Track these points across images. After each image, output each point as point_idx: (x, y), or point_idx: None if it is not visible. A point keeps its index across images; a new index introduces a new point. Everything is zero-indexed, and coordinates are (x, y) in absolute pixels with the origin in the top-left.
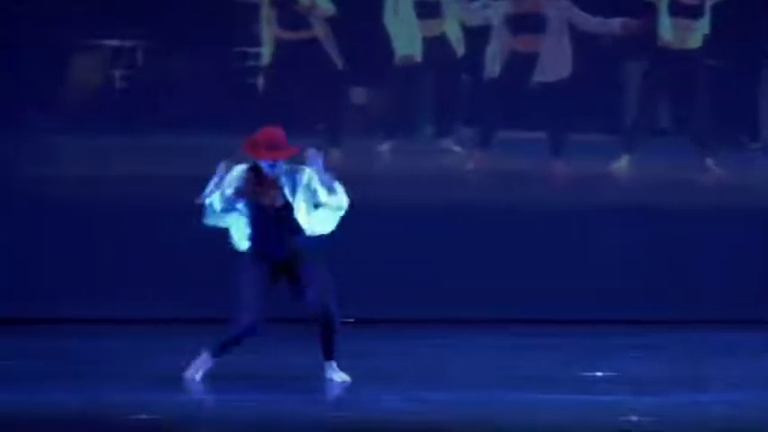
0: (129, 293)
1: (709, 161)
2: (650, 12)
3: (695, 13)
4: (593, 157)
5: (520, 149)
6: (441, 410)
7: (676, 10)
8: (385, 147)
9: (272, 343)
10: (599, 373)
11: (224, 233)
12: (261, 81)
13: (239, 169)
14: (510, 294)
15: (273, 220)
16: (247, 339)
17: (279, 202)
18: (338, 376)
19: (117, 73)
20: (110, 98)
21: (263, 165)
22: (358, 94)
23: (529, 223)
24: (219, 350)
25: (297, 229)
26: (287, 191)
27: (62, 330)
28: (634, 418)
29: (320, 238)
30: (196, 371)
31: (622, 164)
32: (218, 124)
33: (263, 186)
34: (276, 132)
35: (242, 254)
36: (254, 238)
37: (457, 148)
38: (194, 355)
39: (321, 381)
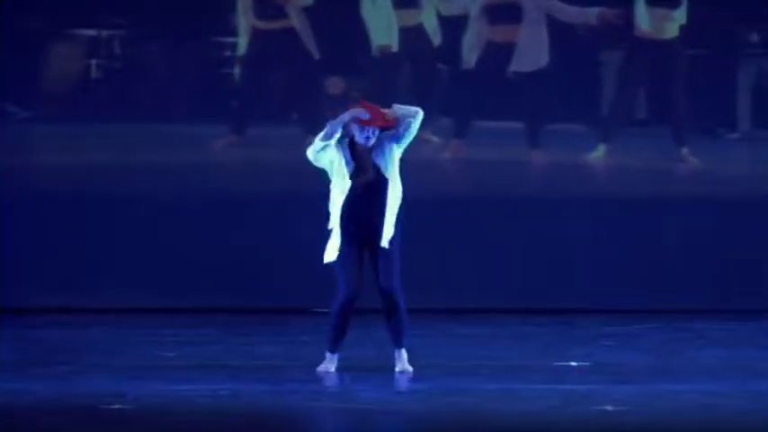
0: (105, 282)
1: (686, 151)
2: (627, 1)
3: (672, 2)
4: (570, 146)
5: (497, 139)
6: (415, 400)
7: (654, 0)
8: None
9: (242, 333)
10: (573, 363)
11: (203, 223)
12: (237, 71)
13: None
14: (485, 284)
15: (364, 197)
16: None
17: (371, 178)
18: (401, 366)
19: (93, 62)
20: (85, 87)
21: (360, 138)
22: (334, 85)
23: (505, 213)
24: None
25: (383, 207)
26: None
27: (37, 320)
28: (608, 408)
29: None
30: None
31: (599, 153)
32: (195, 114)
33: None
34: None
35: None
36: (342, 215)
37: (434, 138)
38: (174, 345)
39: (291, 370)
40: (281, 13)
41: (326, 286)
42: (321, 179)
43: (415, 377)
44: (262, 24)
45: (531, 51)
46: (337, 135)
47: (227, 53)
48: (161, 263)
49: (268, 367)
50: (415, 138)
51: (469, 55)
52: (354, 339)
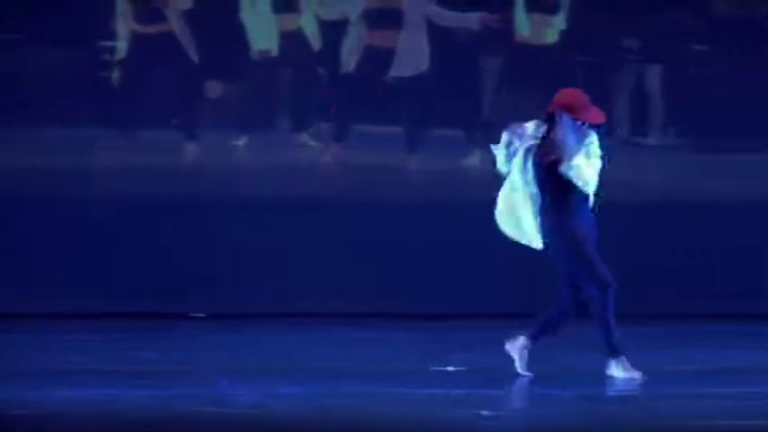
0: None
1: None
2: (507, 7)
3: (551, 8)
4: (449, 151)
5: (376, 144)
6: (294, 404)
7: (533, 5)
8: (241, 141)
9: (126, 338)
10: (450, 368)
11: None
12: (116, 75)
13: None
14: (364, 288)
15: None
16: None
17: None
18: (616, 372)
19: None
20: None
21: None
22: (214, 89)
23: (385, 217)
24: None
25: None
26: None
27: None
28: (484, 412)
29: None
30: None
31: (477, 159)
32: (74, 118)
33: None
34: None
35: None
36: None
37: (313, 143)
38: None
39: (178, 375)
40: (160, 16)
41: (198, 291)
42: (205, 184)
43: (295, 381)
44: (141, 28)
45: (411, 56)
46: None
47: (107, 57)
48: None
49: (151, 372)
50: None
51: (349, 59)
52: (222, 342)
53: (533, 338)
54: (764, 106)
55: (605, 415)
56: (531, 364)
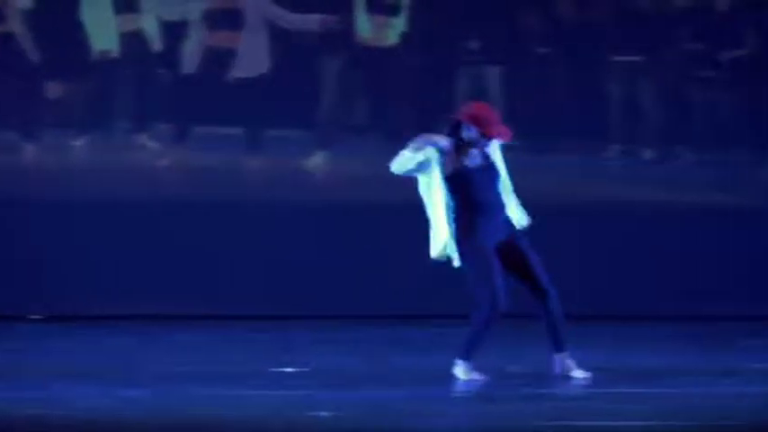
0: None
1: None
2: (348, 9)
3: (392, 10)
4: (290, 152)
5: (217, 145)
6: (136, 406)
7: (373, 7)
8: (80, 142)
9: None
10: (290, 369)
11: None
12: None
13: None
14: (201, 290)
15: None
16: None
17: None
18: (459, 372)
19: None
20: None
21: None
22: (54, 89)
23: (225, 218)
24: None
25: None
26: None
27: None
28: (323, 413)
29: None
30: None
31: (318, 160)
32: None
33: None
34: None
35: None
36: None
37: (153, 144)
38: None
39: (12, 376)
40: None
41: (40, 293)
42: (43, 184)
43: (136, 383)
44: None
45: (252, 57)
46: None
47: None
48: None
49: None
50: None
51: (190, 60)
52: (63, 346)
53: (556, 348)
54: (604, 107)
55: (445, 415)
56: (371, 364)
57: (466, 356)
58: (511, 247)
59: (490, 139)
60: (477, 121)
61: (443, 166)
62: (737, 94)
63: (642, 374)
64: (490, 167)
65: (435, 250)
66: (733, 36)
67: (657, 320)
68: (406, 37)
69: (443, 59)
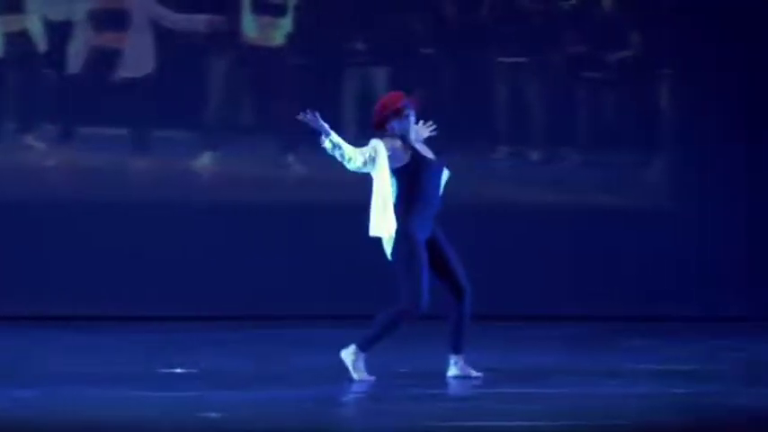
0: None
1: (292, 158)
2: (234, 9)
3: (278, 10)
4: (176, 153)
5: (104, 145)
6: (25, 407)
7: (259, 8)
8: None
9: None
10: (179, 370)
11: None
12: None
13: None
14: (86, 290)
15: None
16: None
17: None
18: (346, 355)
19: None
20: None
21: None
22: None
23: (112, 219)
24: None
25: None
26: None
27: None
28: (213, 414)
29: None
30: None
31: (205, 160)
32: None
33: None
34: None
35: None
36: None
37: (39, 144)
38: None
39: None
40: None
41: None
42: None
43: (27, 384)
44: None
45: (138, 57)
46: None
47: None
48: None
49: None
50: None
51: (75, 61)
52: None
53: (455, 349)
54: (490, 108)
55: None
56: (261, 365)
57: (364, 347)
58: (432, 243)
59: (400, 112)
60: (385, 108)
61: (393, 156)
62: (623, 95)
63: (531, 375)
64: (439, 162)
65: (380, 230)
66: (618, 38)
67: (546, 321)
68: (292, 37)
69: (329, 60)
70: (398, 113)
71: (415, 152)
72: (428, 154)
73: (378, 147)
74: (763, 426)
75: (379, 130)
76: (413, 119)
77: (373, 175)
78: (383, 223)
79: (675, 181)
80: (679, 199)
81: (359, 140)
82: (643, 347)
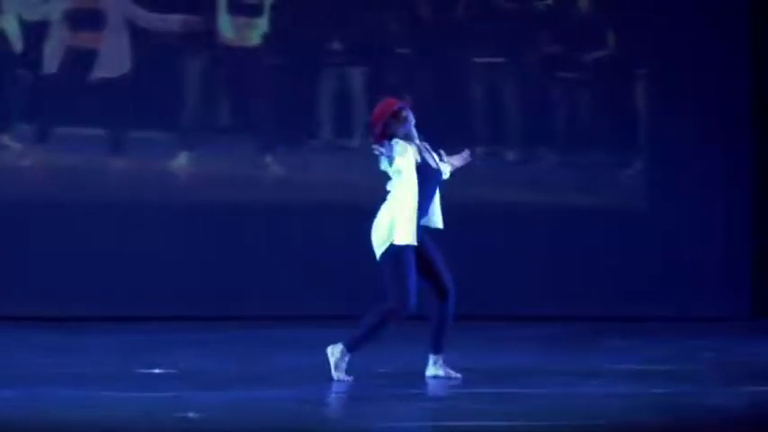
0: None
1: (270, 158)
2: (210, 9)
3: (254, 11)
4: (153, 153)
5: (79, 145)
6: (3, 407)
7: (235, 8)
8: None
9: None
10: (157, 370)
11: None
12: None
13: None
14: (63, 291)
15: None
16: None
17: None
18: (333, 352)
19: None
20: None
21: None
22: None
23: (89, 219)
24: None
25: None
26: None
27: None
28: (191, 414)
29: None
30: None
31: (182, 161)
32: None
33: None
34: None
35: None
36: None
37: (15, 144)
38: None
39: None
40: None
41: None
42: None
43: (5, 384)
44: None
45: (114, 58)
46: None
47: None
48: None
49: None
50: None
51: (51, 61)
52: None
53: (435, 348)
54: (466, 108)
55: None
56: (241, 365)
57: (351, 347)
58: (420, 246)
59: (398, 115)
60: (382, 115)
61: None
62: (599, 95)
63: (509, 375)
64: (439, 171)
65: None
66: (594, 38)
67: (523, 321)
68: (268, 37)
69: (306, 60)
70: (397, 116)
71: (423, 158)
72: (432, 162)
73: (410, 150)
74: (739, 425)
75: (383, 141)
76: (413, 119)
77: (397, 178)
78: (410, 229)
79: (652, 181)
80: (656, 199)
81: (335, 140)
82: (621, 347)
